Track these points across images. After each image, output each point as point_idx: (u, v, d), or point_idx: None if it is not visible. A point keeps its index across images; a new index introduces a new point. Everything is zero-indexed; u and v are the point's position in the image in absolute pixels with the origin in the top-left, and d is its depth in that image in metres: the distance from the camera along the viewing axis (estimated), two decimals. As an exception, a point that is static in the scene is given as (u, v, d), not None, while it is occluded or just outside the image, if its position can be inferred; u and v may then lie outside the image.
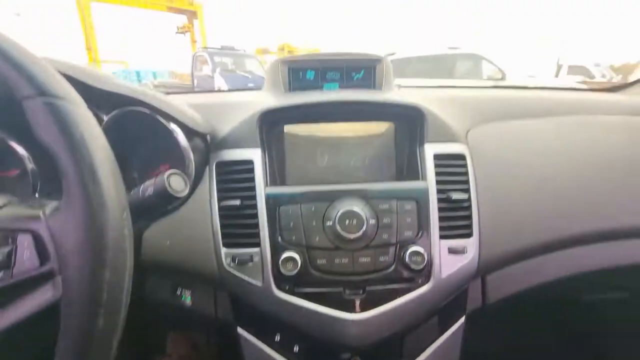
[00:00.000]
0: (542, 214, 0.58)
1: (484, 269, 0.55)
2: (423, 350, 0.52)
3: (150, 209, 0.44)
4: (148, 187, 0.42)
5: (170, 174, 0.42)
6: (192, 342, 0.97)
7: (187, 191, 0.43)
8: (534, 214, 0.58)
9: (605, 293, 0.71)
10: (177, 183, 0.42)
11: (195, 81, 7.30)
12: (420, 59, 5.77)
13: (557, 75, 10.23)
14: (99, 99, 0.51)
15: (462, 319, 0.54)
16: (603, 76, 9.94)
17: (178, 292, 0.55)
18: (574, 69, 10.35)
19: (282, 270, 0.49)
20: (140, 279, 0.56)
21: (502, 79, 4.86)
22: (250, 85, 6.66)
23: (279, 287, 0.50)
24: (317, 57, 0.79)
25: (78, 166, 0.29)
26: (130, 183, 0.63)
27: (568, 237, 0.58)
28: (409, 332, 0.52)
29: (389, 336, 0.51)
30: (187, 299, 0.55)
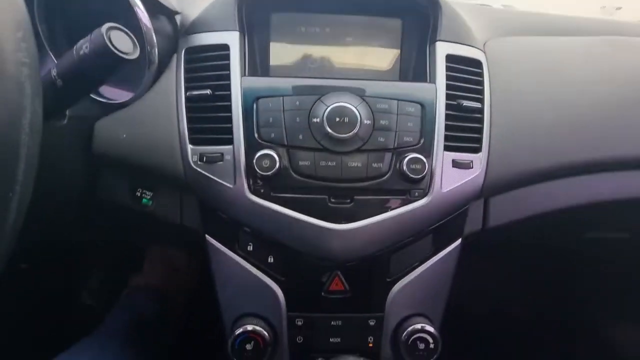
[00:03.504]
0: (557, 136, 0.51)
1: (488, 190, 0.48)
2: (411, 270, 0.47)
3: (91, 73, 0.34)
4: (83, 45, 0.33)
5: (110, 28, 0.32)
6: (170, 263, 0.93)
7: (136, 54, 0.34)
8: (549, 135, 0.50)
9: (607, 232, 0.67)
10: (120, 40, 0.33)
11: None
12: None
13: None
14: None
15: (458, 242, 0.49)
16: None
17: (138, 194, 0.47)
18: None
19: (258, 169, 0.41)
20: (93, 177, 0.48)
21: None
22: None
23: (253, 190, 0.43)
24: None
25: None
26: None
27: (582, 163, 0.52)
28: (398, 250, 0.46)
29: (375, 252, 0.45)
30: (149, 202, 0.47)
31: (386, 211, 0.44)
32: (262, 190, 0.43)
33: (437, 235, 0.48)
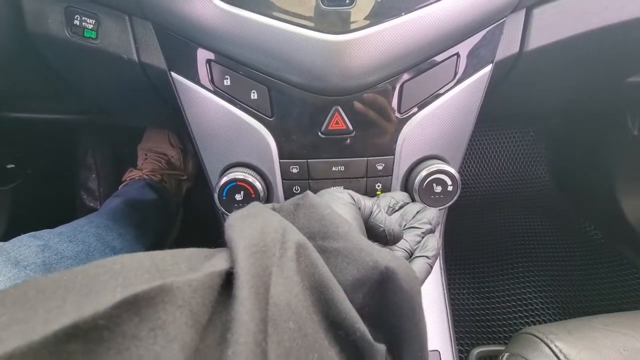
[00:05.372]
0: None
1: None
2: (428, 104, 0.38)
3: None
4: None
5: None
6: (164, 155, 0.88)
7: None
8: None
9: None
10: None
11: None
12: None
13: None
14: None
15: (488, 68, 0.39)
16: None
17: (77, 22, 0.37)
18: None
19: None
20: (16, 5, 0.37)
21: None
22: None
23: (219, -7, 0.32)
24: None
25: None
26: None
27: None
28: (413, 77, 0.37)
29: (383, 77, 0.36)
30: (92, 33, 0.37)
31: (398, 15, 0.33)
32: (230, -8, 0.32)
33: (462, 58, 0.38)
